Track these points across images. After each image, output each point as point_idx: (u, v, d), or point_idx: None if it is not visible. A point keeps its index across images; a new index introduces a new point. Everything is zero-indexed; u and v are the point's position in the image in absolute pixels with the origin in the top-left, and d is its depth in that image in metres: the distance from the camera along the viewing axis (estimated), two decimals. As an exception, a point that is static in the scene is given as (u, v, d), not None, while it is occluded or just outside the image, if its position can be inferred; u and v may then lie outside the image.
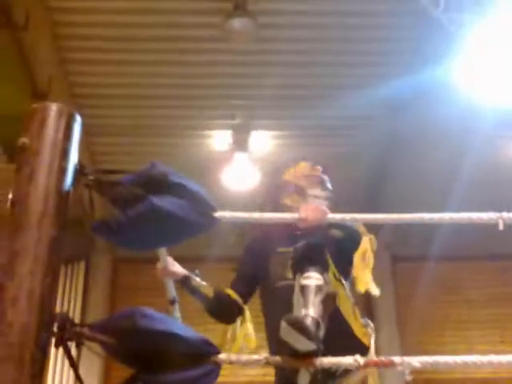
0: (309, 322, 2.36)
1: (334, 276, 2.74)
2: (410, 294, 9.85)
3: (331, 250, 2.92)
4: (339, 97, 8.02)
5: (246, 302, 3.35)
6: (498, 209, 2.23)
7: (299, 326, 2.23)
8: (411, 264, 9.98)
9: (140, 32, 7.38)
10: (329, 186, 3.49)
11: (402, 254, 10.05)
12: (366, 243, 2.99)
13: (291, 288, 2.73)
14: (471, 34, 5.97)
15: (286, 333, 2.22)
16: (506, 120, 7.90)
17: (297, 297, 2.61)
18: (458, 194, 8.48)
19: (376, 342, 3.03)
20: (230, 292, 3.34)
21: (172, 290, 3.36)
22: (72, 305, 9.77)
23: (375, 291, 2.93)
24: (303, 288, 2.59)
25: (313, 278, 2.60)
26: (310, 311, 2.50)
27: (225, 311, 3.32)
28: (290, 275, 2.85)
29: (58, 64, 7.62)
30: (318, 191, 3.41)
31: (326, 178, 3.51)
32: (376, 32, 7.46)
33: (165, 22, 7.26)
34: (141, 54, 7.64)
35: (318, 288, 2.58)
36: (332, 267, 2.72)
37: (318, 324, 2.47)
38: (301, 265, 2.67)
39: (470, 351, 9.45)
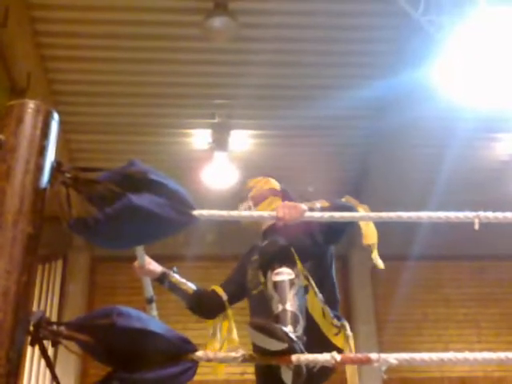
0: (274, 323, 2.38)
1: (303, 273, 2.77)
2: (388, 293, 9.91)
3: (321, 236, 2.95)
4: (320, 97, 8.04)
5: (230, 303, 3.36)
6: (476, 209, 2.25)
7: (265, 329, 2.22)
8: (390, 263, 10.01)
9: (120, 30, 7.35)
10: (249, 195, 3.46)
11: (381, 253, 10.08)
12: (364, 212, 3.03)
13: (263, 295, 2.76)
14: (451, 36, 6.01)
15: (255, 337, 2.22)
16: (485, 121, 7.98)
17: (271, 293, 2.64)
18: (437, 195, 8.56)
19: (354, 341, 3.05)
20: (217, 288, 3.36)
21: (149, 289, 3.35)
22: (49, 303, 9.70)
23: (380, 265, 3.01)
24: (276, 284, 2.63)
25: (284, 274, 2.65)
26: (287, 305, 2.55)
27: (205, 305, 3.35)
28: (261, 279, 2.88)
29: (37, 61, 7.57)
30: (241, 207, 3.43)
31: (248, 190, 3.50)
32: (356, 33, 7.48)
33: (145, 20, 7.23)
34: (121, 51, 7.61)
35: (291, 282, 2.63)
36: (299, 264, 2.75)
37: (296, 317, 2.51)
38: (269, 263, 2.72)
39: (447, 350, 9.49)
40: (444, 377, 9.69)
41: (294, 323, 2.49)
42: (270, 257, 2.72)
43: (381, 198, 9.24)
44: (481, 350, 2.13)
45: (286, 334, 2.23)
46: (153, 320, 1.96)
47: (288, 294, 2.58)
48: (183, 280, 3.31)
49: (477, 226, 2.16)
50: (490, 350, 2.22)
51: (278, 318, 2.53)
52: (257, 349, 2.22)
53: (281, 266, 2.66)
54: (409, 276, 9.68)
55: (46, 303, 9.64)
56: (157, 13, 7.17)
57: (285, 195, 3.40)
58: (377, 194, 9.31)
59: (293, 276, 2.64)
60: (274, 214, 2.38)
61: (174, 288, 3.29)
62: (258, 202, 3.41)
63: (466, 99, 7.19)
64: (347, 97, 7.85)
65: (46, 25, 7.27)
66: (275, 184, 3.52)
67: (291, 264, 2.68)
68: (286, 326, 2.43)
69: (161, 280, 3.29)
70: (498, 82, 6.54)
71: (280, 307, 2.56)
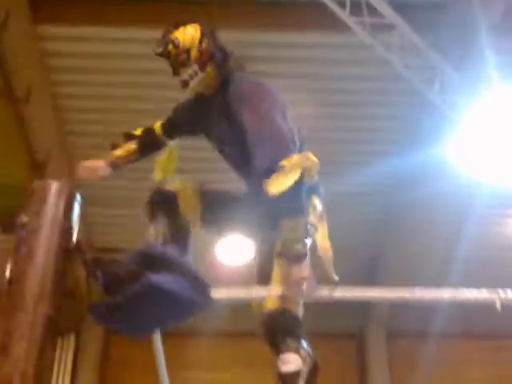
0: None
1: None
2: (406, 373, 9.65)
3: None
4: (334, 173, 8.00)
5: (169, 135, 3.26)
6: (493, 286, 2.24)
7: None
8: (407, 341, 9.82)
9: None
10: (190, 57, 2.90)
11: (398, 329, 9.91)
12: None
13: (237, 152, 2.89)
14: (466, 114, 6.06)
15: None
16: (501, 198, 7.95)
17: None
18: (455, 272, 8.46)
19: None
20: (156, 127, 3.27)
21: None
22: (60, 381, 9.50)
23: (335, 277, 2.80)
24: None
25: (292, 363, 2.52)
26: None
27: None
28: None
29: (58, 135, 7.67)
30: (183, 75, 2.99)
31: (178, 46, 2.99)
32: (371, 109, 7.54)
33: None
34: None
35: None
36: None
37: None
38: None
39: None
40: None
41: None
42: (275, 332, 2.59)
43: (397, 274, 9.14)
44: None
45: None
46: None
47: None
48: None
49: (498, 305, 2.15)
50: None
51: None
52: None
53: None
54: (426, 354, 9.46)
55: (56, 381, 9.44)
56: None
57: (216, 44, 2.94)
58: (393, 270, 9.21)
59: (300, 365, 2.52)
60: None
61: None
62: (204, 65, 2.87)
63: (481, 176, 7.19)
64: (362, 173, 7.84)
65: (67, 100, 7.40)
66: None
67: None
68: None
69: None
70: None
71: None
